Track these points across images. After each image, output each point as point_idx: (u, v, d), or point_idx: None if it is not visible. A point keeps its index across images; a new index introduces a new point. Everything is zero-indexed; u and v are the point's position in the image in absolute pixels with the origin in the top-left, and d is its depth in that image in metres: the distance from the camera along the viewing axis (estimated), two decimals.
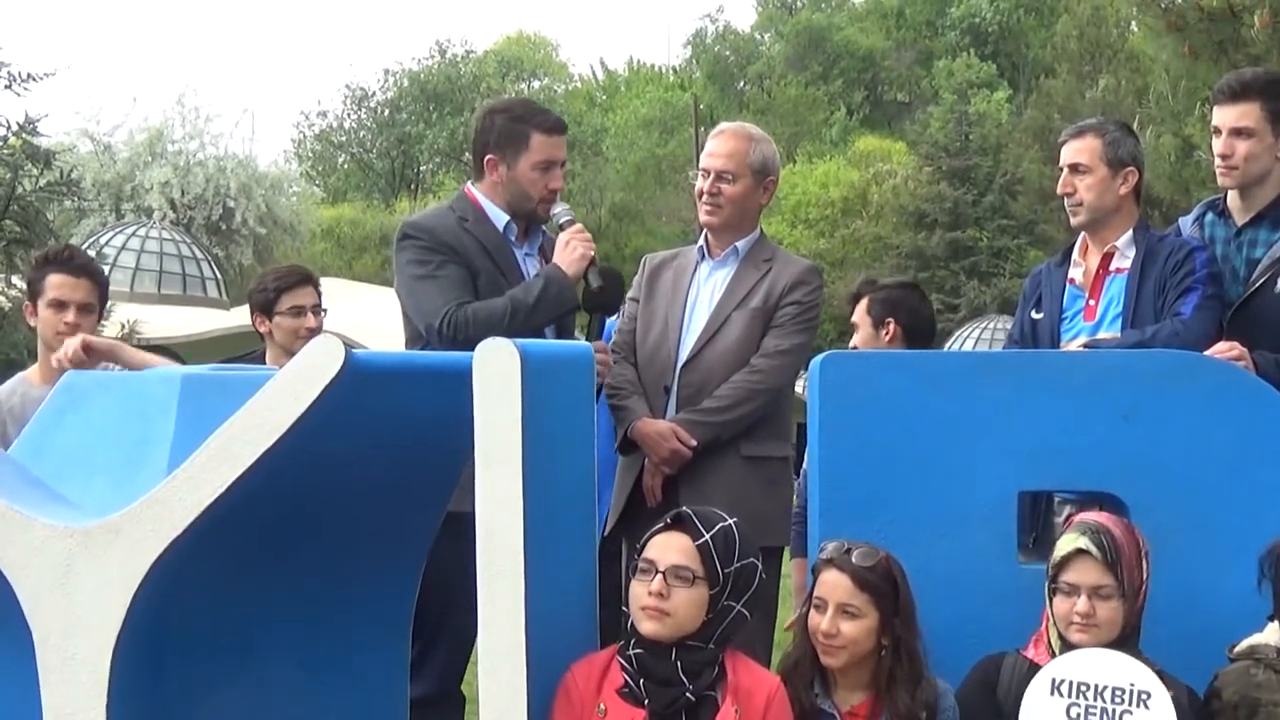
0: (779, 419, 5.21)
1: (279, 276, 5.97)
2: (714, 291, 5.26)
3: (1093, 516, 3.92)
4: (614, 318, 5.57)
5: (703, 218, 5.30)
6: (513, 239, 5.18)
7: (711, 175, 5.23)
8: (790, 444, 5.26)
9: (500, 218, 5.16)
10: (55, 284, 5.25)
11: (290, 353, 5.58)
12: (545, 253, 5.23)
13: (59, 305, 5.23)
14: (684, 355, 5.19)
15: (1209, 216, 5.08)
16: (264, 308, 5.86)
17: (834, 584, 3.81)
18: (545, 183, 5.13)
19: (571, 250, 5.05)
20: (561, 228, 5.15)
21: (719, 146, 5.25)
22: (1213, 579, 4.07)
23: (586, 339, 5.17)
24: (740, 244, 5.28)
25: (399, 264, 5.13)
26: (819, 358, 4.27)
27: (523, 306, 4.92)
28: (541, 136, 5.13)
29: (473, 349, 3.38)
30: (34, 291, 5.35)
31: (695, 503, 4.15)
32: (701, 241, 5.36)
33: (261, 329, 5.89)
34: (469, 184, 5.29)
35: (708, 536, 3.66)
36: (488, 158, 5.15)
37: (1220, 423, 4.15)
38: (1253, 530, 3.96)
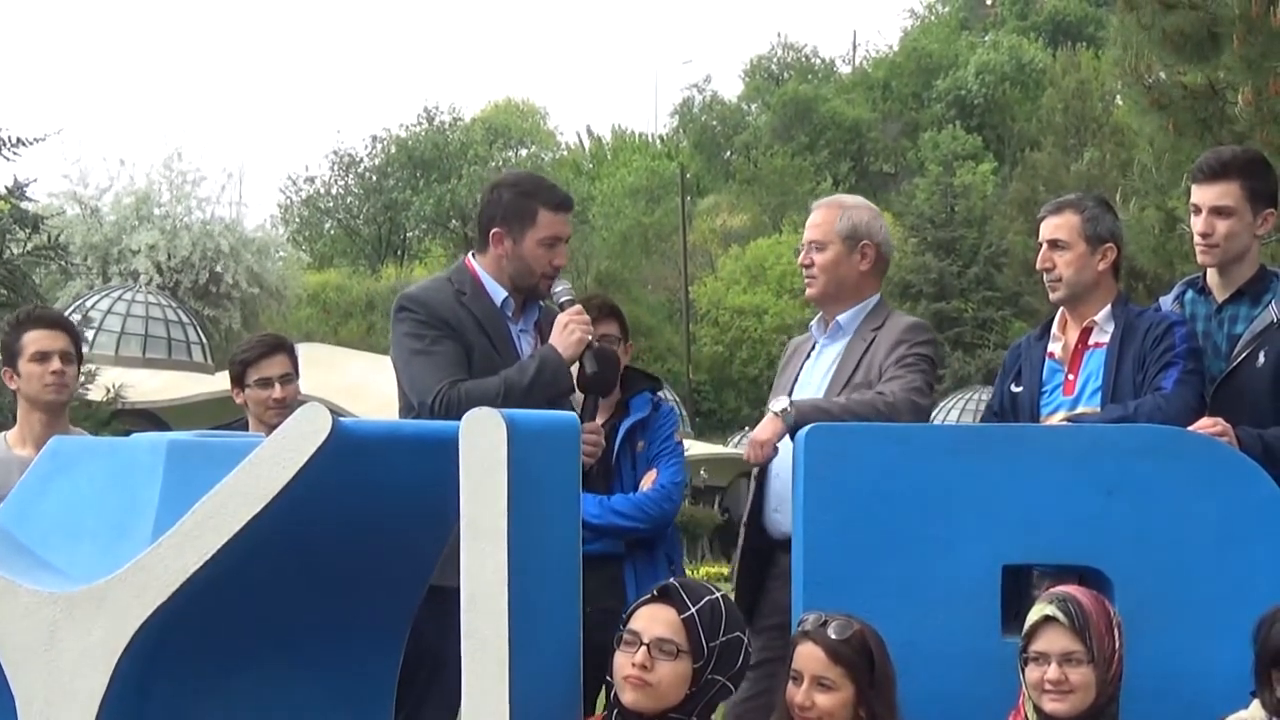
0: None
1: (245, 349, 5.94)
2: (824, 372, 5.18)
3: (1061, 587, 3.93)
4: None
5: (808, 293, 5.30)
6: (509, 315, 5.12)
7: (806, 247, 5.21)
8: None
9: (499, 293, 5.09)
10: (34, 339, 5.41)
11: (263, 423, 5.58)
12: (541, 329, 5.16)
13: (42, 357, 5.38)
14: None
15: (1189, 294, 5.10)
16: (236, 380, 5.85)
17: (809, 656, 3.80)
18: (550, 259, 5.07)
19: (570, 333, 4.97)
20: (561, 307, 5.09)
21: (812, 219, 5.24)
22: (1196, 654, 4.06)
23: (581, 421, 5.17)
24: (843, 318, 5.22)
25: (395, 336, 5.07)
26: (805, 429, 4.28)
27: (516, 387, 4.83)
28: (549, 213, 5.06)
29: None
30: (11, 354, 5.45)
31: None
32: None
33: (238, 400, 5.89)
34: (470, 255, 5.22)
35: (694, 610, 3.66)
36: (494, 231, 5.07)
37: (1203, 498, 4.15)
38: (1236, 606, 3.96)
